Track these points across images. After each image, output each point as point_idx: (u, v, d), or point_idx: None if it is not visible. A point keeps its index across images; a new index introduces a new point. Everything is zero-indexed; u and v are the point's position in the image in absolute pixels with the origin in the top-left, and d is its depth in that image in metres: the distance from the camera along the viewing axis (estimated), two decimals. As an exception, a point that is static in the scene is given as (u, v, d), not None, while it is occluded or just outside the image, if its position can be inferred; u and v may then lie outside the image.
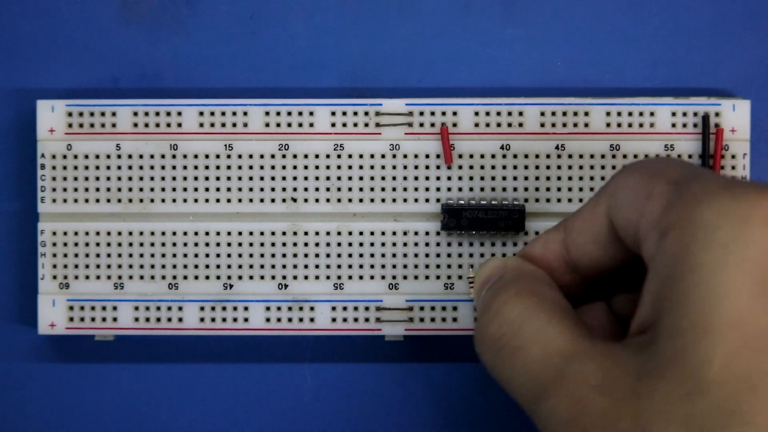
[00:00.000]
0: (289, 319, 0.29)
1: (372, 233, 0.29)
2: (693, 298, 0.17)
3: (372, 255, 0.29)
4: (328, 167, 0.29)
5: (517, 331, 0.20)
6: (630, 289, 0.22)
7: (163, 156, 0.29)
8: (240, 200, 0.29)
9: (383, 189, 0.29)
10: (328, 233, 0.29)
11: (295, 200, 0.29)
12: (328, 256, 0.29)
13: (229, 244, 0.29)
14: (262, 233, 0.29)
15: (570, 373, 0.18)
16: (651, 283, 0.18)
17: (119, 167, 0.29)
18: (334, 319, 0.29)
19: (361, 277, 0.29)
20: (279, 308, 0.29)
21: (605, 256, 0.21)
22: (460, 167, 0.29)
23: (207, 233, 0.29)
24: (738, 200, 0.17)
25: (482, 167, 0.29)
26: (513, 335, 0.20)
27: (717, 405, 0.16)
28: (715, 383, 0.16)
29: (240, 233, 0.29)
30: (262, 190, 0.29)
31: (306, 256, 0.29)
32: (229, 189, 0.29)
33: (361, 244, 0.29)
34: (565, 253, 0.22)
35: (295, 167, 0.29)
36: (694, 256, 0.17)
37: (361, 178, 0.29)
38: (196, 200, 0.29)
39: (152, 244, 0.29)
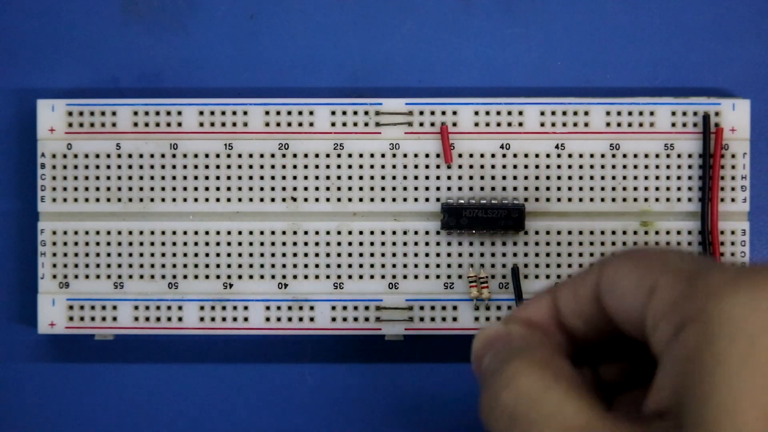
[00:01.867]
0: (289, 319, 0.29)
1: (372, 233, 0.29)
2: (722, 390, 0.16)
3: (372, 254, 0.29)
4: (328, 167, 0.29)
5: (534, 403, 0.19)
6: (617, 356, 0.22)
7: (163, 156, 0.29)
8: (240, 200, 0.29)
9: (383, 188, 0.29)
10: (328, 233, 0.29)
11: (295, 200, 0.29)
12: (328, 255, 0.29)
13: (229, 244, 0.29)
14: (262, 233, 0.29)
15: None
16: (668, 374, 0.18)
17: (119, 167, 0.29)
18: (334, 319, 0.29)
19: (361, 277, 0.29)
20: (279, 308, 0.29)
21: (590, 331, 0.21)
22: (460, 167, 0.29)
23: (207, 233, 0.29)
24: (759, 288, 0.17)
25: (482, 167, 0.29)
26: (529, 407, 0.19)
27: None
28: None
29: (240, 233, 0.29)
30: (262, 189, 0.29)
31: (306, 255, 0.29)
32: (229, 189, 0.29)
33: (361, 244, 0.29)
34: (553, 318, 0.22)
35: (295, 167, 0.29)
36: (720, 349, 0.17)
37: (361, 178, 0.29)
38: (196, 200, 0.29)
39: (152, 244, 0.29)
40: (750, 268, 0.17)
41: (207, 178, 0.29)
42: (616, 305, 0.20)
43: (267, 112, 0.29)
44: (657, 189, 0.29)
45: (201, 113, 0.29)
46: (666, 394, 0.18)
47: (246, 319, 0.29)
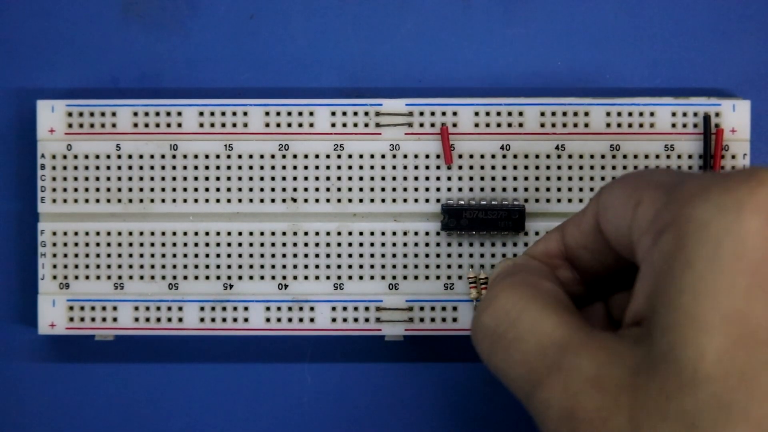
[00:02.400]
0: (289, 319, 0.29)
1: (372, 233, 0.29)
2: (687, 293, 0.17)
3: (372, 255, 0.29)
4: (328, 167, 0.29)
5: (513, 322, 0.20)
6: (625, 289, 0.22)
7: (163, 156, 0.29)
8: (240, 200, 0.29)
9: (383, 189, 0.29)
10: (328, 233, 0.29)
11: (295, 200, 0.29)
12: (328, 256, 0.29)
13: (229, 244, 0.29)
14: (262, 233, 0.29)
15: (565, 365, 0.18)
16: (644, 278, 0.18)
17: (119, 167, 0.29)
18: (334, 319, 0.29)
19: (361, 277, 0.29)
20: (279, 308, 0.29)
21: (596, 262, 0.22)
22: (460, 167, 0.29)
23: (207, 233, 0.29)
24: (729, 192, 0.17)
25: (482, 167, 0.29)
26: (508, 326, 0.20)
27: (710, 399, 0.16)
28: (708, 378, 0.16)
29: (240, 233, 0.29)
30: (262, 190, 0.29)
31: (306, 256, 0.29)
32: (229, 189, 0.29)
33: (361, 244, 0.29)
34: (562, 250, 0.22)
35: (295, 167, 0.29)
36: (689, 252, 0.17)
37: (361, 178, 0.29)
38: (196, 200, 0.29)
39: (152, 244, 0.29)
40: (723, 174, 0.18)
41: (207, 178, 0.29)
42: (610, 227, 0.20)
43: (267, 113, 0.29)
44: (657, 189, 0.29)
45: (201, 114, 0.29)
46: (641, 300, 0.18)
47: (246, 320, 0.29)
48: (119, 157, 0.29)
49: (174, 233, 0.29)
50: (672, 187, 0.18)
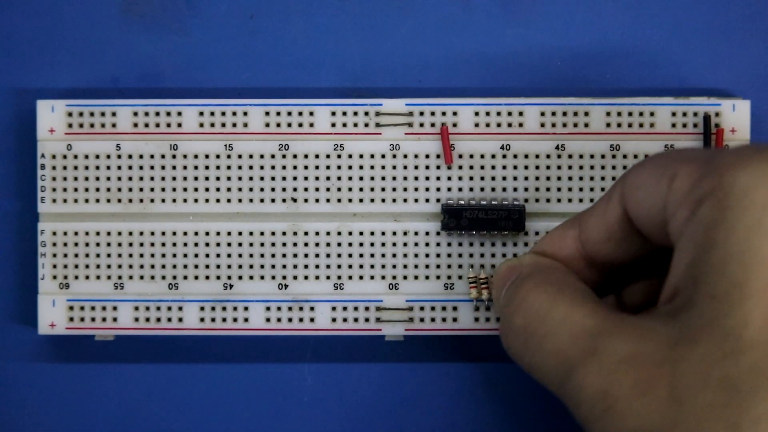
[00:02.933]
0: (289, 319, 0.29)
1: (372, 233, 0.29)
2: (731, 261, 0.17)
3: (372, 255, 0.29)
4: (328, 167, 0.29)
5: (543, 318, 0.20)
6: (642, 278, 0.22)
7: (163, 156, 0.29)
8: (240, 200, 0.29)
9: (383, 189, 0.29)
10: (328, 233, 0.29)
11: (295, 200, 0.29)
12: (328, 256, 0.29)
13: (229, 244, 0.29)
14: (262, 233, 0.29)
15: (599, 348, 0.18)
16: (683, 252, 0.18)
17: (119, 167, 0.29)
18: (334, 319, 0.29)
19: (361, 277, 0.29)
20: (279, 308, 0.29)
21: (620, 252, 0.21)
22: (460, 167, 0.29)
23: (207, 233, 0.29)
24: None
25: (482, 167, 0.29)
26: (539, 323, 0.20)
27: (754, 366, 0.16)
28: (752, 344, 0.16)
29: (240, 233, 0.29)
30: (262, 190, 0.29)
31: (306, 256, 0.29)
32: (229, 189, 0.29)
33: (361, 244, 0.29)
34: (581, 248, 0.22)
35: (295, 167, 0.29)
36: (732, 221, 0.17)
37: (361, 178, 0.29)
38: (196, 200, 0.29)
39: (152, 244, 0.29)
40: (760, 144, 0.18)
41: (207, 178, 0.29)
42: (640, 208, 0.20)
43: (267, 113, 0.29)
44: (657, 189, 0.29)
45: (201, 114, 0.29)
46: (680, 272, 0.18)
47: (246, 320, 0.29)
48: (119, 157, 0.29)
49: (174, 233, 0.29)
50: (708, 158, 0.18)
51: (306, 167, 0.29)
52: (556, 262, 0.22)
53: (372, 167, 0.29)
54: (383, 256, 0.29)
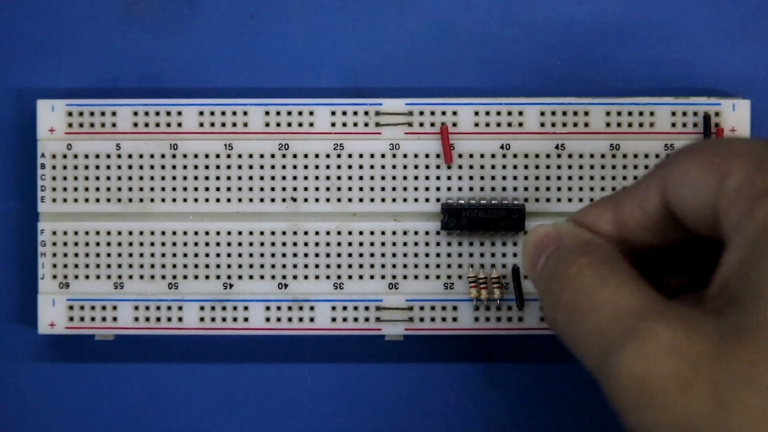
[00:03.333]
0: (289, 319, 0.29)
1: (372, 233, 0.29)
2: None
3: (372, 255, 0.29)
4: (328, 167, 0.29)
5: (591, 295, 0.19)
6: (680, 265, 0.22)
7: (163, 156, 0.29)
8: (240, 200, 0.29)
9: (383, 189, 0.29)
10: (328, 233, 0.29)
11: (295, 200, 0.29)
12: (328, 255, 0.29)
13: (229, 244, 0.29)
14: (262, 233, 0.29)
15: (642, 329, 0.18)
16: (736, 249, 0.18)
17: (119, 167, 0.29)
18: (334, 319, 0.29)
19: (361, 277, 0.29)
20: (279, 308, 0.29)
21: (657, 240, 0.21)
22: (460, 167, 0.29)
23: (207, 233, 0.29)
24: None
25: (482, 167, 0.29)
26: (586, 299, 0.19)
27: None
28: None
29: (240, 233, 0.29)
30: (262, 189, 0.29)
31: (306, 255, 0.29)
32: (229, 189, 0.29)
33: (361, 244, 0.29)
34: (615, 232, 0.21)
35: (295, 167, 0.29)
36: None
37: (361, 178, 0.29)
38: (196, 200, 0.29)
39: (152, 244, 0.29)
40: None
41: (207, 178, 0.29)
42: (686, 203, 0.20)
43: (267, 113, 0.29)
44: (657, 189, 0.29)
45: (201, 113, 0.29)
46: (732, 269, 0.18)
47: (246, 320, 0.29)
48: (119, 156, 0.29)
49: (174, 233, 0.29)
50: (761, 154, 0.18)
51: (306, 167, 0.29)
52: (601, 241, 0.22)
53: (372, 167, 0.29)
54: (383, 255, 0.29)
